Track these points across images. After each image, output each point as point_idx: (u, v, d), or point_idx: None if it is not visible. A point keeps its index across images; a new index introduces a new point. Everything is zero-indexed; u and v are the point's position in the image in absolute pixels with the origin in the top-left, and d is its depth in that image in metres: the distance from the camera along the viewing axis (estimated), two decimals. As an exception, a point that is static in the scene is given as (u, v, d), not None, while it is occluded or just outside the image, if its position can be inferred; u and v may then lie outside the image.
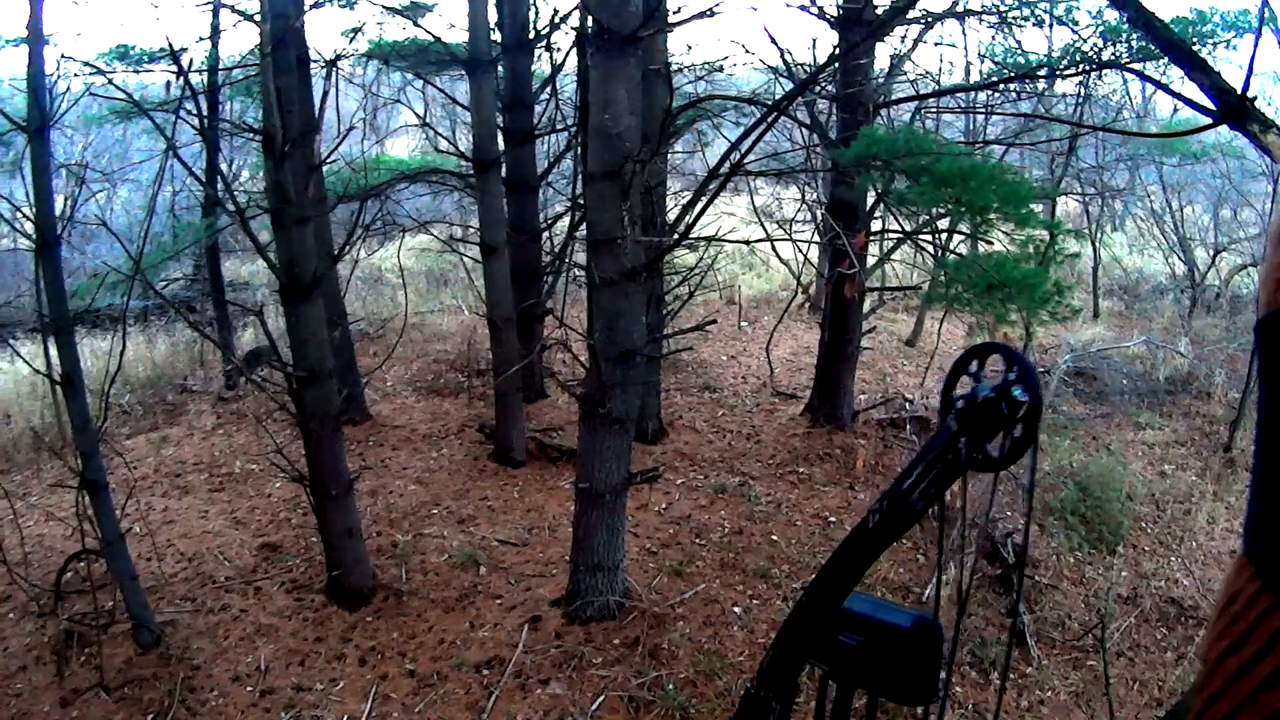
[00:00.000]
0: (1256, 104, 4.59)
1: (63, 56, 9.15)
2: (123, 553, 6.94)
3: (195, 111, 8.69)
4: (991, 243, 9.23)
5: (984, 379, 1.17)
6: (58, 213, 7.09)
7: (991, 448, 1.18)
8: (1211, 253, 18.82)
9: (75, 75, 10.51)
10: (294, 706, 6.60)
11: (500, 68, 10.60)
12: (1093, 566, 9.34)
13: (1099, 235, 19.38)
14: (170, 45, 8.29)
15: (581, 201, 9.46)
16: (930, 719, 1.39)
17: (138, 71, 11.65)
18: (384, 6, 11.69)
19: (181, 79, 7.94)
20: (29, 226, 6.52)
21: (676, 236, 6.98)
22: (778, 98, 8.92)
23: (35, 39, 6.20)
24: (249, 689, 6.76)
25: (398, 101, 16.09)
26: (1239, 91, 4.59)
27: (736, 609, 7.81)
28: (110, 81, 8.96)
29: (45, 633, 7.24)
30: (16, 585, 7.73)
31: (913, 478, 1.14)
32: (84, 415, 6.71)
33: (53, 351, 6.74)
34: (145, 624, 7.07)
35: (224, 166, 13.10)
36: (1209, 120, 4.81)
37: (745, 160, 7.39)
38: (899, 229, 10.57)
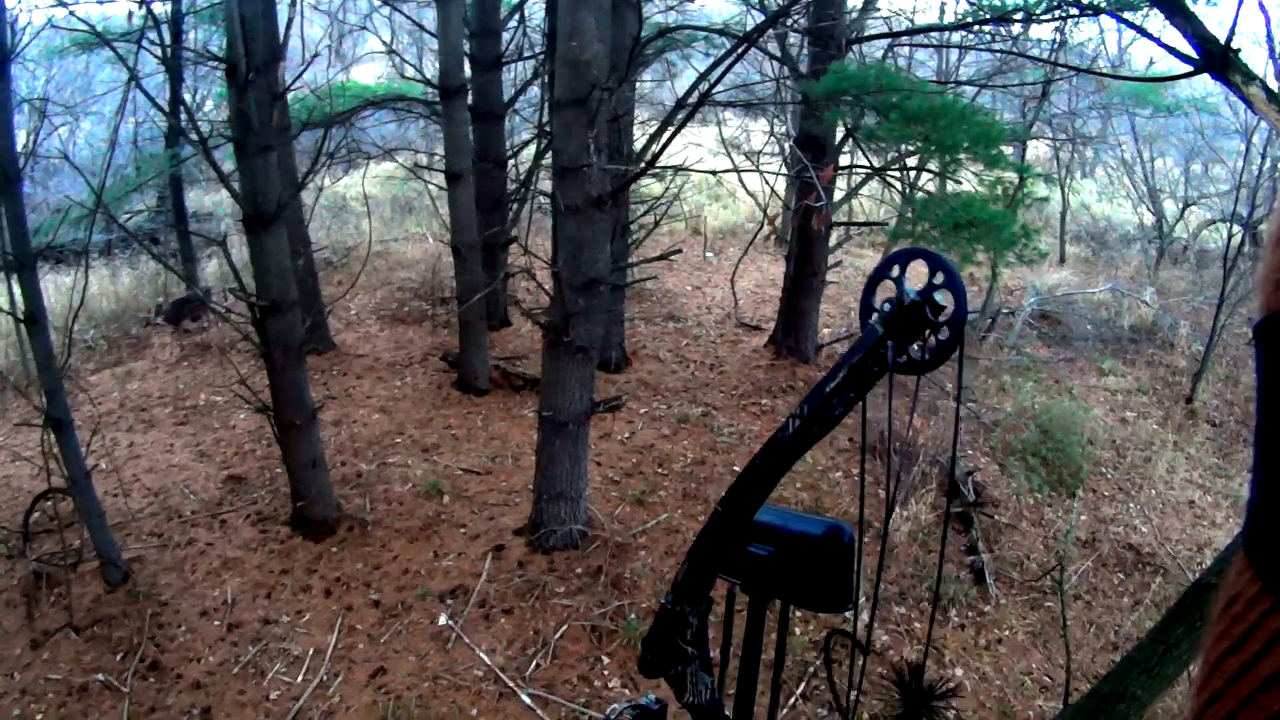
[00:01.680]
0: (1240, 55, 4.58)
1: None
2: (89, 490, 6.90)
3: (158, 41, 8.54)
4: (960, 182, 9.24)
5: (907, 285, 1.16)
6: (19, 148, 6.96)
7: (916, 353, 1.16)
8: (1181, 205, 18.88)
9: (36, 8, 10.31)
10: (261, 640, 6.63)
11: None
12: (1052, 509, 9.45)
13: (1068, 181, 19.44)
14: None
15: (548, 129, 9.38)
16: (845, 623, 1.40)
17: (100, 2, 11.45)
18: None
19: (144, 8, 7.79)
20: (-10, 163, 6.41)
21: (643, 165, 6.96)
22: (749, 29, 8.86)
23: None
24: (216, 623, 6.78)
25: (364, 28, 15.86)
26: (1222, 42, 4.57)
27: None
28: (72, 13, 8.78)
29: (14, 575, 7.21)
30: (-16, 528, 7.69)
31: (836, 381, 1.13)
32: (48, 352, 6.64)
33: (16, 289, 6.65)
34: (113, 561, 7.05)
35: (188, 96, 12.85)
36: (1190, 68, 4.80)
37: (714, 91, 7.37)
38: (867, 165, 10.55)
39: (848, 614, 1.36)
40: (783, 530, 1.31)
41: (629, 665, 6.36)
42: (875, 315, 1.15)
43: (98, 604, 6.87)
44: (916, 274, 1.21)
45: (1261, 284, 0.57)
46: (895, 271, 1.16)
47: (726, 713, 1.34)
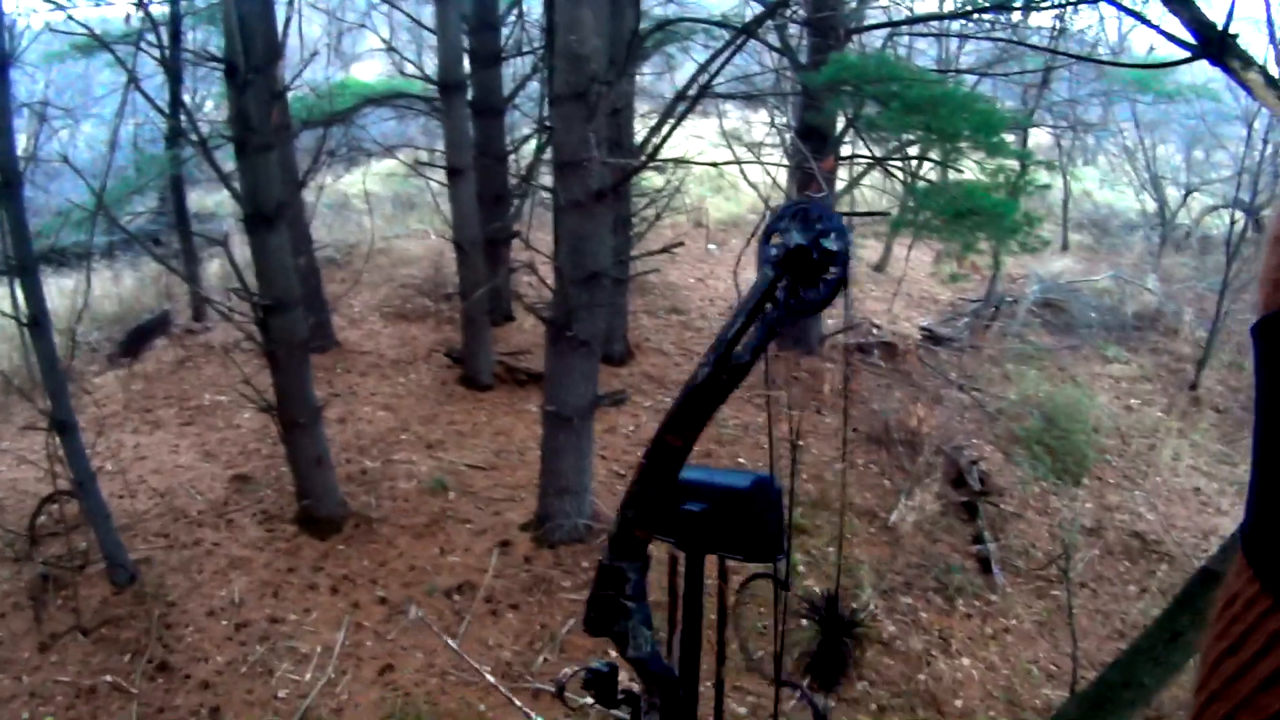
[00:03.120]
0: (1238, 41, 4.56)
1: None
2: (95, 492, 6.90)
3: (157, 43, 8.55)
4: (962, 171, 9.20)
5: (794, 233, 1.18)
6: (20, 152, 6.96)
7: (808, 295, 1.19)
8: (1183, 192, 18.81)
9: (34, 12, 10.31)
10: (269, 638, 6.63)
11: (467, -11, 10.45)
12: (1058, 497, 9.44)
13: (1070, 168, 19.37)
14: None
15: (548, 124, 9.38)
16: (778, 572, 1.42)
17: (98, 5, 11.44)
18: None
19: (142, 10, 7.81)
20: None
21: (643, 158, 6.95)
22: (748, 21, 8.85)
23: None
24: (224, 623, 6.78)
25: (363, 26, 15.84)
26: (1219, 27, 4.56)
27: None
28: (70, 17, 8.78)
29: (21, 578, 7.21)
30: (-9, 532, 7.70)
31: (736, 327, 1.15)
32: (51, 355, 6.65)
33: (18, 292, 6.65)
34: (120, 563, 7.05)
35: (187, 97, 12.85)
36: (1187, 54, 4.79)
37: (714, 83, 7.36)
38: (869, 155, 10.52)
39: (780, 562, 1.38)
40: (712, 486, 1.33)
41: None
42: (767, 262, 1.17)
43: (105, 605, 6.87)
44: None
45: (1260, 284, 0.56)
46: (784, 224, 1.18)
47: (669, 663, 1.36)
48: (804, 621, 6.37)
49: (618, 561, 1.27)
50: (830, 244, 1.14)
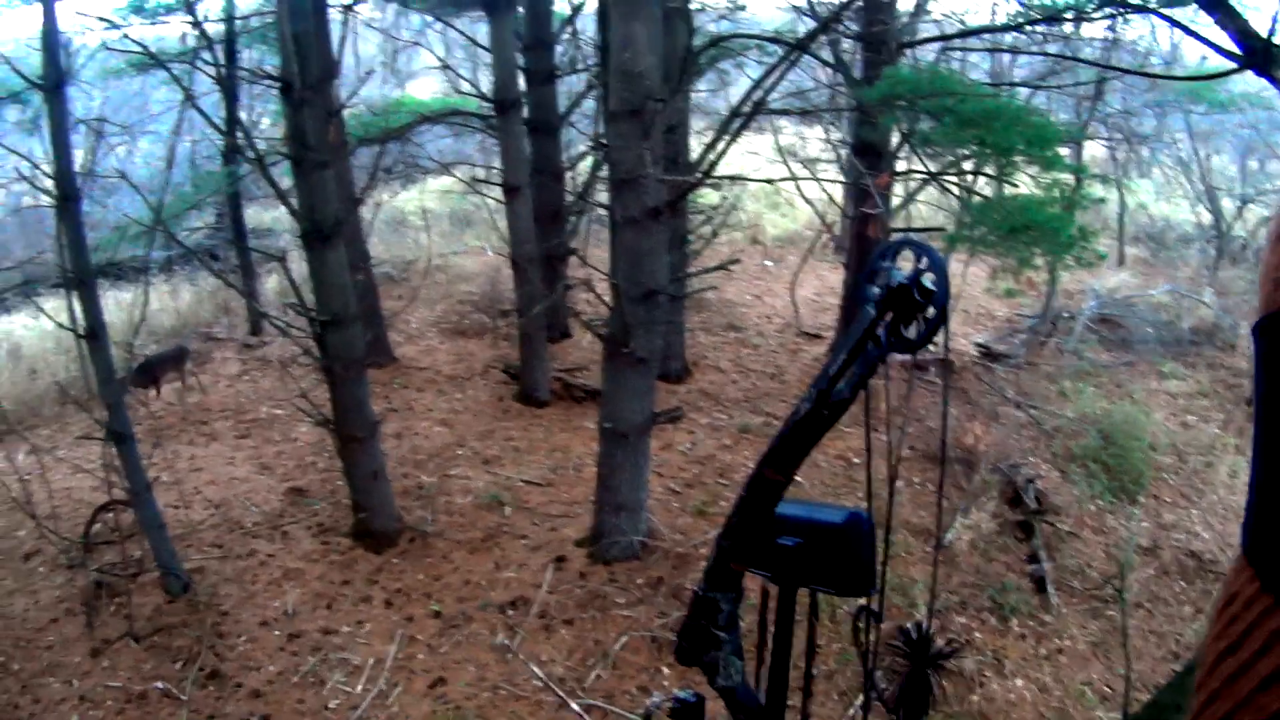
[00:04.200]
0: (1283, 50, 4.52)
1: (78, 13, 9.12)
2: (150, 502, 6.99)
3: (212, 61, 8.67)
4: (1017, 185, 9.13)
5: (895, 271, 1.19)
6: (78, 168, 7.09)
7: (908, 333, 1.20)
8: (1238, 203, 18.54)
9: (90, 30, 10.48)
10: (321, 649, 6.68)
11: (520, 8, 10.52)
12: (1114, 516, 9.31)
13: (1125, 181, 19.17)
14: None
15: (604, 141, 9.42)
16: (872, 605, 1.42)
17: (153, 24, 11.60)
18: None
19: (197, 29, 7.92)
20: (49, 183, 6.53)
21: (699, 175, 6.95)
22: (801, 36, 8.84)
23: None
24: (277, 633, 6.84)
25: (417, 44, 15.99)
26: (1264, 37, 4.52)
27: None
28: (126, 35, 8.92)
29: (75, 584, 7.32)
30: (46, 538, 7.81)
31: (838, 365, 1.16)
32: (108, 367, 6.75)
33: (76, 305, 6.76)
34: (174, 572, 7.14)
35: (243, 114, 13.04)
36: (1234, 65, 4.75)
37: (768, 99, 7.36)
38: (924, 170, 10.46)
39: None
40: (807, 521, 1.34)
41: (690, 676, 6.33)
42: (869, 301, 1.18)
43: (158, 614, 6.96)
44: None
45: (1261, 283, 0.56)
46: (886, 262, 1.19)
47: (757, 695, 1.37)
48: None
49: (712, 592, 1.28)
50: (929, 283, 1.15)
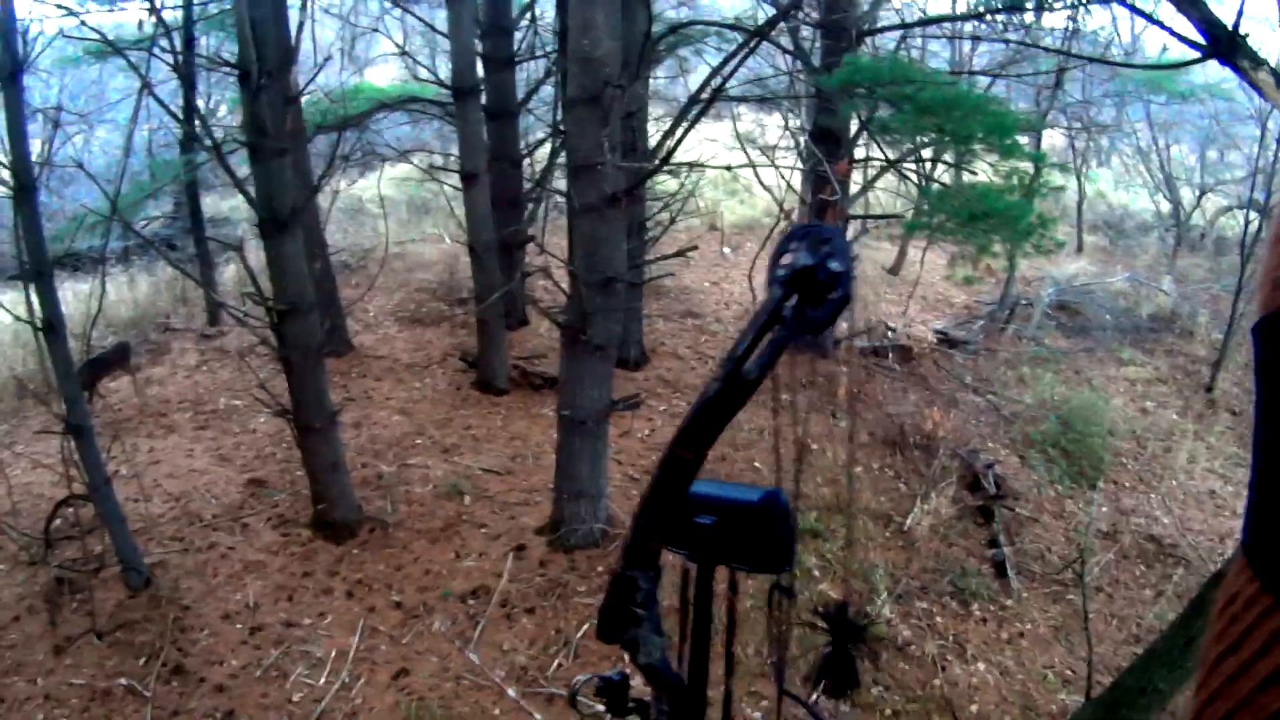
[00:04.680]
0: (1248, 40, 4.56)
1: (34, 0, 9.02)
2: (110, 496, 6.91)
3: (170, 48, 8.58)
4: (976, 173, 9.20)
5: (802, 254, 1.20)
6: (34, 157, 7.00)
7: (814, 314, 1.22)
8: (1197, 193, 18.76)
9: (47, 18, 10.36)
10: (284, 642, 6.63)
11: (479, -7, 10.47)
12: (1073, 500, 9.40)
13: (1084, 170, 19.33)
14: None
15: (562, 128, 9.41)
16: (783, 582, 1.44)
17: (111, 10, 11.49)
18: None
19: (154, 16, 7.84)
20: (4, 174, 6.45)
21: (657, 162, 6.95)
22: (760, 23, 8.85)
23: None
24: (239, 626, 6.79)
25: (375, 30, 15.92)
26: (1228, 27, 4.55)
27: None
28: (83, 23, 8.82)
29: (36, 581, 7.22)
30: (5, 534, 7.72)
31: (745, 344, 1.17)
32: (66, 360, 6.67)
33: (34, 297, 6.68)
34: (135, 566, 7.07)
35: (201, 102, 12.94)
36: (1198, 55, 4.78)
37: (727, 86, 7.38)
38: (882, 157, 10.51)
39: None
40: (722, 500, 1.35)
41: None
42: (775, 282, 1.20)
43: (120, 609, 6.88)
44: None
45: (1260, 284, 0.56)
46: (793, 244, 1.21)
47: (679, 671, 1.39)
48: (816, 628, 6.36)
49: (630, 570, 1.29)
50: (835, 265, 1.16)
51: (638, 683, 1.41)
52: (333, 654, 6.52)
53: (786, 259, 1.19)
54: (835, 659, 1.28)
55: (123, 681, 6.23)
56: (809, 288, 1.15)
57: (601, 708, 1.46)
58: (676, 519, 1.32)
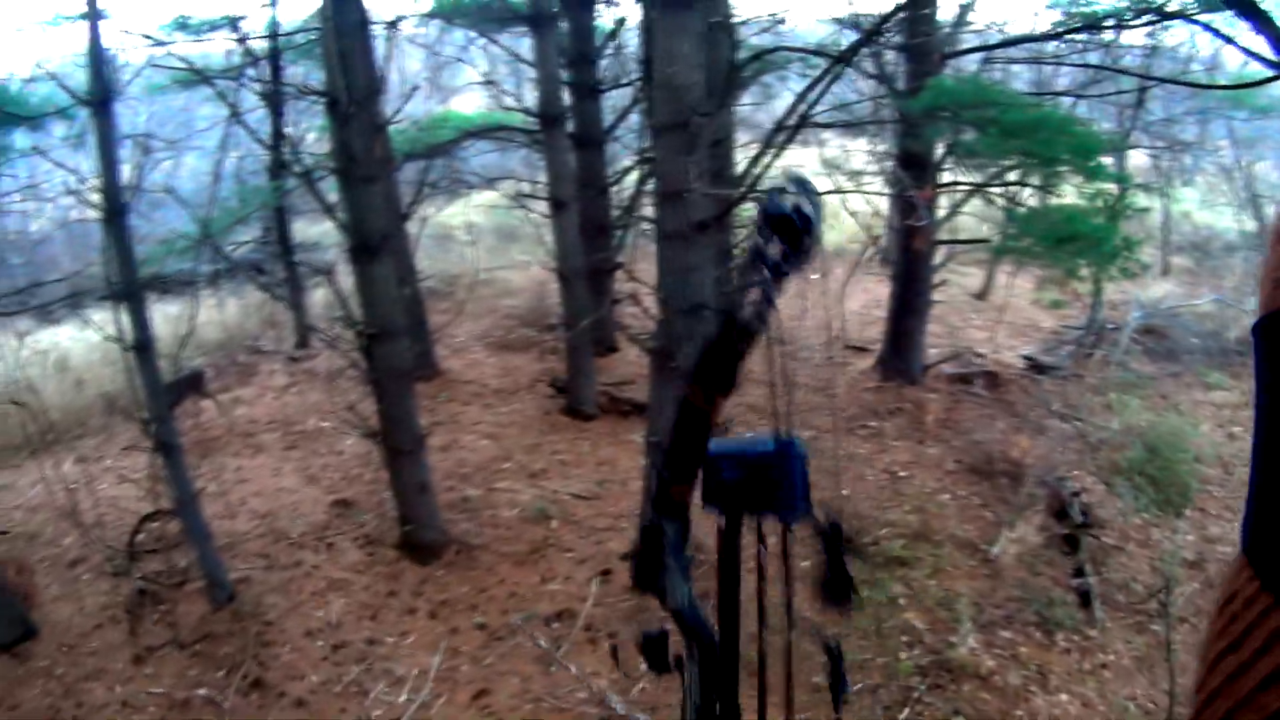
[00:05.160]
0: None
1: (123, 31, 9.27)
2: (196, 512, 7.09)
3: (258, 77, 8.77)
4: (1061, 196, 9.07)
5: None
6: (124, 182, 7.19)
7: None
8: (1281, 210, 18.35)
9: (135, 48, 10.62)
10: (365, 660, 6.73)
11: (563, 23, 10.57)
12: (1159, 528, 9.19)
13: (1168, 190, 18.99)
14: (230, 15, 8.36)
15: (649, 155, 9.47)
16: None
17: (198, 41, 11.76)
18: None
19: (242, 45, 8.03)
20: (97, 197, 6.63)
21: (745, 189, 6.94)
22: (843, 49, 8.83)
23: (93, 15, 6.31)
24: (320, 643, 6.90)
25: (460, 60, 16.08)
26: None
27: (805, 564, 7.77)
28: (171, 53, 9.05)
29: (119, 592, 7.42)
30: (91, 547, 7.91)
31: (734, 287, 1.23)
32: (155, 379, 6.85)
33: (124, 318, 6.85)
34: (219, 581, 7.22)
35: (289, 129, 13.18)
36: (1273, 72, 4.72)
37: (812, 112, 7.35)
38: (968, 181, 10.42)
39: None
40: (742, 454, 1.38)
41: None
42: (755, 230, 1.26)
43: (203, 622, 7.04)
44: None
45: (1261, 283, 0.57)
46: (774, 197, 1.26)
47: (708, 620, 1.43)
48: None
49: (657, 519, 1.34)
50: (807, 209, 1.21)
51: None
52: (414, 672, 6.59)
53: (766, 207, 1.24)
54: (830, 572, 1.31)
55: (201, 692, 6.37)
56: (786, 231, 1.20)
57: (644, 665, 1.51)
58: (698, 467, 1.37)
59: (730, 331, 1.25)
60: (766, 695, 1.43)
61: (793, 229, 1.20)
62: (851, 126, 12.50)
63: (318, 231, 17.83)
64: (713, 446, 1.36)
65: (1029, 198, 10.41)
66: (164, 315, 12.35)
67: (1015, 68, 15.20)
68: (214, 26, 11.37)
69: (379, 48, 9.95)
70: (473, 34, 14.64)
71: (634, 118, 12.77)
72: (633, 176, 12.74)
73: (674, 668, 1.47)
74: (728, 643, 1.44)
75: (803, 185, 1.24)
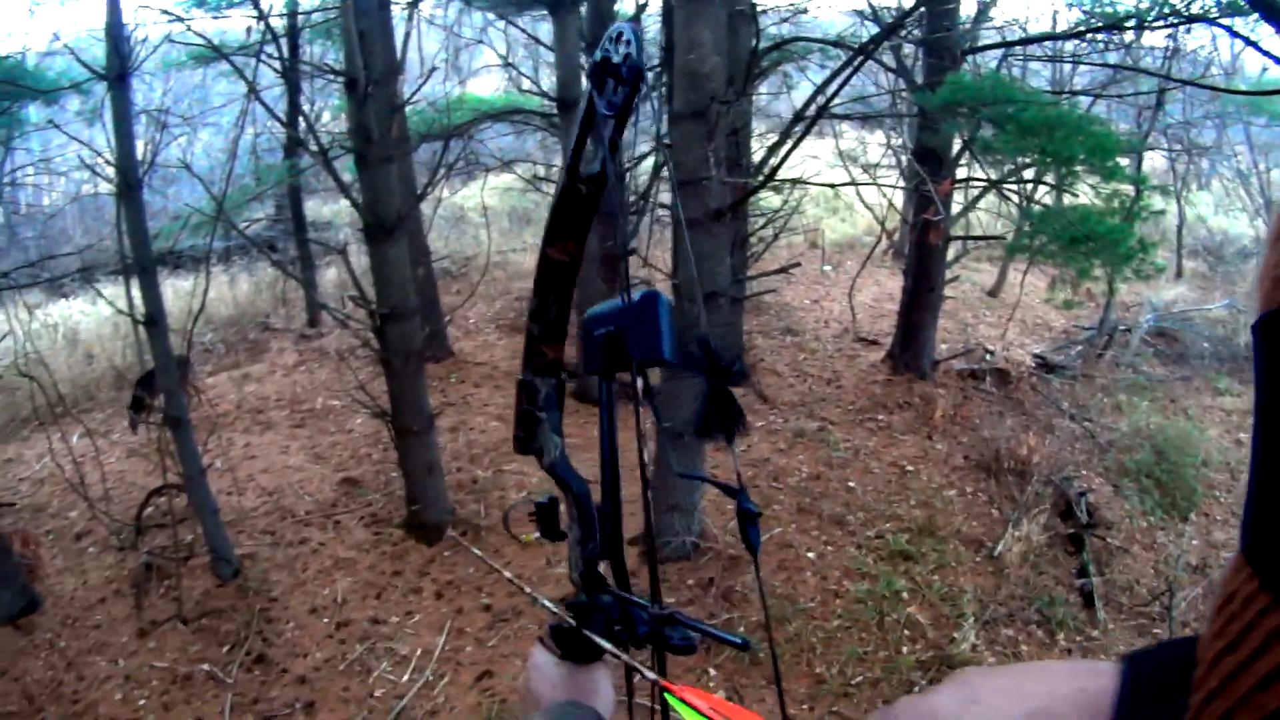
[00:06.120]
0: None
1: (141, 6, 9.27)
2: (203, 487, 7.09)
3: (276, 55, 8.75)
4: (1077, 195, 9.05)
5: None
6: (139, 157, 7.20)
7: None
8: (1298, 218, 18.27)
9: (153, 23, 10.60)
10: (369, 638, 6.73)
11: (583, 6, 10.55)
12: (1165, 532, 9.18)
13: (1184, 193, 18.94)
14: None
15: (667, 142, 9.45)
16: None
17: (216, 17, 11.75)
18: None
19: (261, 23, 8.02)
20: (111, 172, 6.64)
21: (762, 178, 6.94)
22: (864, 41, 8.81)
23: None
24: (325, 620, 6.91)
25: (480, 42, 16.09)
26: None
27: (810, 554, 7.79)
28: (189, 28, 9.04)
29: (125, 566, 7.44)
30: (97, 520, 7.93)
31: (577, 139, 1.24)
32: (166, 353, 6.85)
33: (136, 292, 6.86)
34: (224, 557, 7.24)
35: (306, 108, 13.19)
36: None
37: (831, 104, 7.34)
38: (984, 177, 10.39)
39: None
40: (611, 313, 1.40)
41: (736, 677, 6.33)
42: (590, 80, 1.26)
43: (207, 597, 7.05)
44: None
45: (1260, 282, 0.56)
46: (607, 44, 1.26)
47: (573, 469, 1.49)
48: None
49: (530, 376, 1.37)
50: (634, 58, 1.21)
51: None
52: (418, 652, 6.60)
53: (598, 55, 1.25)
54: (714, 400, 1.31)
55: (204, 667, 6.38)
56: (614, 77, 1.21)
57: (537, 534, 1.50)
58: (585, 344, 1.41)
59: (575, 180, 1.26)
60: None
61: (619, 76, 1.21)
62: (869, 119, 12.49)
63: (330, 211, 17.90)
64: (587, 314, 1.41)
65: (1044, 196, 10.40)
66: (175, 291, 12.42)
67: (1034, 65, 15.18)
68: (233, 3, 11.38)
69: (398, 28, 9.96)
70: (492, 16, 14.66)
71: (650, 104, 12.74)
72: (649, 163, 12.73)
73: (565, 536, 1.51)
74: (612, 502, 1.50)
75: (625, 33, 1.25)
